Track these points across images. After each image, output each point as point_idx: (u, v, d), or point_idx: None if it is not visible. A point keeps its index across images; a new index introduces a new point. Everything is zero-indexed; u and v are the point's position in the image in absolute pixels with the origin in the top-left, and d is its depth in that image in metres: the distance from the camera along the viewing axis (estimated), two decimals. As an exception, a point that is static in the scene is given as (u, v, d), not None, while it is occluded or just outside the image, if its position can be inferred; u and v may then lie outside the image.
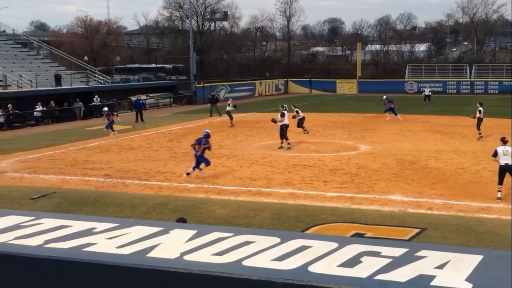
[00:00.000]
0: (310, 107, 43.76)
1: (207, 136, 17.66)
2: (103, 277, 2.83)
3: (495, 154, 14.67)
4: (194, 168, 17.30)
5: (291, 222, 12.19)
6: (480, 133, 24.48)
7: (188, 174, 17.13)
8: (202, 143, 17.33)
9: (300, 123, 27.28)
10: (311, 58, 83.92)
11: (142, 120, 34.14)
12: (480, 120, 24.62)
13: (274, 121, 23.70)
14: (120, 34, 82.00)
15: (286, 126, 23.04)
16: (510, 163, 14.19)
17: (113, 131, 24.87)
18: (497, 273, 3.40)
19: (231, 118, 31.89)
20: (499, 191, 14.25)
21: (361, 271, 3.15)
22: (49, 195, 14.95)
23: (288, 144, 22.75)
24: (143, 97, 40.38)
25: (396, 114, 32.63)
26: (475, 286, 3.03)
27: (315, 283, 2.90)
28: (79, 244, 3.08)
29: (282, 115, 23.22)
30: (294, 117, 27.32)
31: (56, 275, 2.87)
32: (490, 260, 3.63)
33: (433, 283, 3.03)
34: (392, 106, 33.07)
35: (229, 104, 32.27)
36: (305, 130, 27.25)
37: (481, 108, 24.77)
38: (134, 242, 3.17)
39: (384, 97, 35.45)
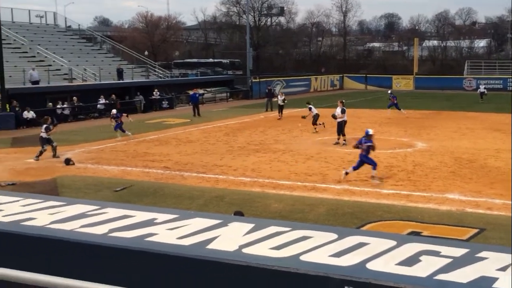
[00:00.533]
0: (365, 103, 43.27)
1: (369, 135, 16.58)
2: (164, 267, 2.90)
3: None
4: (354, 169, 16.12)
5: (347, 219, 12.11)
6: None
7: (346, 173, 16.08)
8: (363, 142, 16.42)
9: (315, 120, 26.94)
10: (367, 54, 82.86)
11: (198, 114, 34.42)
12: None
13: (334, 117, 23.54)
14: (179, 29, 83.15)
15: (345, 122, 23.06)
16: None
17: (124, 131, 24.74)
18: (563, 277, 3.29)
19: (281, 112, 32.46)
20: None
21: (421, 270, 3.12)
22: (128, 188, 15.29)
23: (344, 140, 22.58)
24: (200, 91, 40.63)
25: (399, 109, 33.21)
26: (539, 290, 2.94)
27: (374, 280, 2.88)
28: (141, 234, 3.17)
29: (343, 111, 23.25)
30: (304, 117, 27.37)
31: (119, 264, 2.96)
32: (555, 263, 3.51)
33: (495, 285, 2.97)
34: (395, 101, 33.59)
35: (282, 99, 32.81)
36: (315, 129, 26.77)
37: None
38: (194, 233, 3.23)
39: (389, 91, 35.39)
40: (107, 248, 2.95)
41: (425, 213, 12.75)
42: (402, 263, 3.31)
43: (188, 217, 3.52)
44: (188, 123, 30.74)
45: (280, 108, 32.70)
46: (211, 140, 24.11)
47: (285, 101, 33.27)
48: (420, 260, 3.33)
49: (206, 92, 45.54)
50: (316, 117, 26.93)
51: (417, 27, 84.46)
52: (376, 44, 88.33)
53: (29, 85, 35.61)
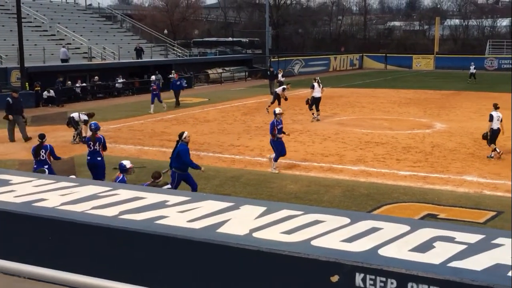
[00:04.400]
0: (385, 83, 42.90)
1: (276, 114, 15.10)
2: (174, 250, 2.88)
3: (491, 119, 16.69)
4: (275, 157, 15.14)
5: (362, 200, 12.07)
6: None
7: (272, 159, 15.08)
8: (276, 124, 14.91)
9: (312, 104, 24.33)
10: (387, 33, 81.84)
11: (177, 103, 29.25)
12: None
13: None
14: (199, 8, 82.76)
15: (316, 98, 23.91)
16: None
17: (161, 101, 24.96)
18: None
19: (274, 101, 26.40)
20: (495, 149, 16.28)
21: (434, 257, 3.06)
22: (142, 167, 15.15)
23: (318, 115, 23.75)
24: (177, 80, 32.38)
25: None
26: (556, 279, 2.88)
27: (385, 267, 2.83)
28: (152, 216, 3.15)
29: (312, 87, 24.09)
30: (307, 101, 24.30)
31: (129, 246, 2.95)
32: None
33: (510, 273, 2.91)
34: None
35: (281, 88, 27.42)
36: (314, 115, 24.33)
37: None
38: (205, 216, 3.20)
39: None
40: (117, 231, 2.94)
41: (442, 195, 12.66)
42: (415, 249, 3.26)
43: (200, 200, 3.49)
44: (206, 103, 30.76)
45: (315, 102, 25.10)
46: (228, 120, 24.09)
47: (288, 84, 28.19)
48: (434, 246, 3.27)
49: (224, 71, 45.40)
50: (314, 101, 24.30)
51: (438, 6, 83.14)
52: (397, 23, 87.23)
53: (50, 63, 35.76)
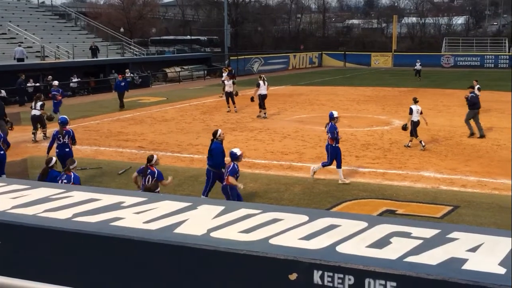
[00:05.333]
0: (344, 80, 43.33)
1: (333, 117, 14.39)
2: (129, 252, 2.83)
3: (411, 112, 17.83)
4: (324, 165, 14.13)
5: (322, 197, 12.14)
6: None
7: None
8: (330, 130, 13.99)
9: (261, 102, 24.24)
10: (346, 31, 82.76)
11: (122, 105, 27.59)
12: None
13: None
14: (156, 5, 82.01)
15: (262, 96, 24.01)
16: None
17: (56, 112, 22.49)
18: (532, 257, 3.30)
19: (232, 100, 25.96)
20: (420, 141, 17.35)
21: (391, 252, 3.09)
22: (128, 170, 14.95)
23: (264, 113, 23.96)
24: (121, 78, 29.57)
25: None
26: (509, 271, 2.94)
27: (343, 264, 2.85)
28: (107, 218, 3.09)
29: (258, 85, 24.17)
30: (252, 99, 24.42)
31: (83, 249, 2.89)
32: (525, 243, 3.52)
33: (464, 267, 2.95)
34: None
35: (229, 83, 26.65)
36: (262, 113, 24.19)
37: (479, 86, 23.91)
38: (162, 217, 3.16)
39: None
40: (70, 234, 2.87)
41: (400, 191, 12.85)
42: (373, 245, 3.29)
43: (157, 200, 3.45)
44: (164, 102, 30.49)
45: (260, 99, 24.52)
46: (187, 119, 23.95)
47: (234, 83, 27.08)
48: (390, 242, 3.30)
49: (182, 70, 45.12)
50: (261, 98, 24.12)
51: (396, 4, 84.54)
52: (355, 21, 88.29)
53: (2, 62, 34.89)
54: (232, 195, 10.75)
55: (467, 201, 12.02)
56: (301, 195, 12.39)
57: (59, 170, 10.90)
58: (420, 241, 3.28)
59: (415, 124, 17.70)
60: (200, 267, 2.86)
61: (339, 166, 13.46)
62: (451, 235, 3.39)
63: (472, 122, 19.74)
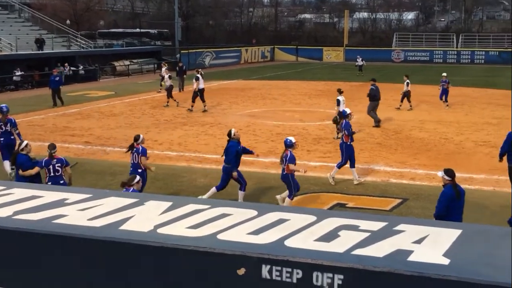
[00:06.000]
0: (296, 74, 43.59)
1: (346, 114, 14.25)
2: (73, 250, 2.75)
3: (338, 103, 18.33)
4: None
5: (274, 192, 12.17)
6: (410, 106, 24.35)
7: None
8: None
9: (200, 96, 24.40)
10: (298, 25, 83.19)
11: (61, 102, 26.13)
12: (408, 93, 24.38)
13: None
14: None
15: (200, 90, 24.18)
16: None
17: None
18: (475, 247, 3.38)
19: (170, 96, 25.77)
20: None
21: (339, 245, 3.11)
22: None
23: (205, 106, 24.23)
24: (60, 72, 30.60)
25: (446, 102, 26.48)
26: (452, 262, 3.00)
27: (291, 258, 2.85)
28: (49, 215, 3.01)
29: (197, 78, 24.24)
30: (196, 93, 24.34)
31: (24, 248, 2.80)
32: (468, 234, 3.61)
33: (410, 258, 3.00)
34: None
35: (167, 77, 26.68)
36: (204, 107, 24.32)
37: (408, 81, 24.59)
38: (107, 214, 3.10)
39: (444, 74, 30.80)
40: (10, 232, 2.77)
41: (351, 184, 13.00)
42: (321, 238, 3.30)
43: (102, 196, 3.38)
44: (112, 96, 29.99)
45: (199, 93, 24.42)
46: (136, 114, 23.64)
47: (171, 77, 26.90)
48: (339, 235, 3.33)
49: (132, 63, 44.48)
50: (200, 92, 24.22)
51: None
52: (308, 16, 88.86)
53: None
54: (293, 183, 11.14)
55: (416, 194, 12.26)
56: (252, 190, 12.39)
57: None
58: (368, 234, 3.32)
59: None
60: (147, 264, 2.81)
61: (352, 165, 13.35)
62: (398, 228, 3.44)
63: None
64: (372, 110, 20.82)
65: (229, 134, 12.06)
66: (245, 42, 65.48)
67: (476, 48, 58.36)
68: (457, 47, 59.82)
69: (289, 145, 11.29)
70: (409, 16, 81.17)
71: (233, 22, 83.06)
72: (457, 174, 12.60)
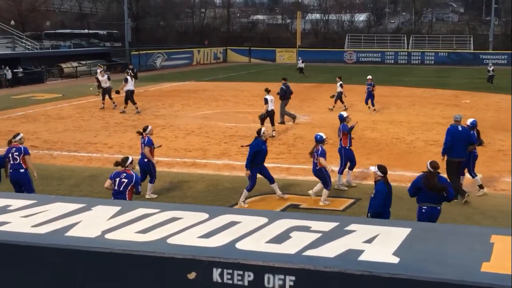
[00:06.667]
0: (249, 76, 43.66)
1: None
2: (17, 258, 2.66)
3: (266, 102, 18.76)
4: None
5: (227, 194, 12.13)
6: (344, 106, 24.36)
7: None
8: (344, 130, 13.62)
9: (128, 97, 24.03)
10: (251, 27, 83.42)
11: None
12: (340, 94, 24.65)
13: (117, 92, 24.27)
14: (51, -3, 78.67)
15: (130, 91, 23.94)
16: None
17: None
18: (424, 245, 3.43)
19: (108, 97, 25.03)
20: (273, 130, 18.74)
21: (290, 247, 3.11)
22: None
23: (137, 108, 23.93)
24: None
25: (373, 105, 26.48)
26: (401, 260, 3.04)
27: (242, 260, 2.83)
28: (-9, 223, 2.90)
29: (126, 80, 24.03)
30: (118, 92, 24.12)
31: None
32: (418, 233, 3.66)
33: (361, 258, 3.02)
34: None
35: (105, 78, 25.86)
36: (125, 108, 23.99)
37: (341, 82, 24.88)
38: (53, 220, 3.01)
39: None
40: None
41: (304, 185, 13.06)
42: (272, 240, 3.29)
43: (47, 202, 3.28)
44: (59, 98, 29.33)
45: (129, 95, 23.95)
46: (85, 116, 23.18)
47: (109, 79, 26.08)
48: (290, 237, 3.32)
49: (80, 65, 43.65)
50: (131, 94, 23.92)
51: (300, 0, 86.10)
52: (260, 17, 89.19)
53: None
54: (327, 175, 11.53)
55: (369, 193, 12.31)
56: (205, 193, 12.31)
57: None
58: (319, 235, 3.32)
59: (270, 113, 18.85)
60: (94, 270, 2.74)
61: (351, 168, 13.35)
62: (349, 228, 3.46)
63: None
64: (284, 108, 21.41)
65: (258, 132, 12.02)
66: (197, 43, 65.20)
67: (426, 49, 59.70)
68: (407, 48, 61.08)
69: (319, 140, 11.71)
70: (361, 17, 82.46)
71: (185, 23, 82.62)
72: (409, 173, 12.86)
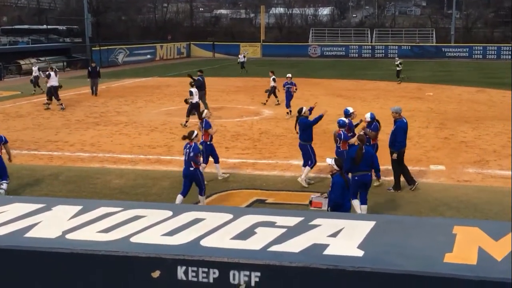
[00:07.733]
0: (213, 71, 43.47)
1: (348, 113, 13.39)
2: (-27, 261, 2.58)
3: (191, 94, 19.70)
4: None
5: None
6: (277, 101, 24.48)
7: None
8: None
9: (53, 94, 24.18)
10: (215, 21, 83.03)
11: None
12: (274, 89, 24.74)
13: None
14: (6, -8, 76.98)
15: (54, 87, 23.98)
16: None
17: None
18: (388, 238, 3.46)
19: (55, 97, 24.18)
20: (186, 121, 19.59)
21: (255, 243, 3.10)
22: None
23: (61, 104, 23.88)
24: None
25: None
26: (366, 253, 3.06)
27: (207, 257, 2.81)
28: None
29: (48, 76, 24.14)
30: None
31: None
32: (382, 226, 3.69)
33: (326, 252, 3.03)
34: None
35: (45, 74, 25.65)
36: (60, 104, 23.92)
37: (274, 77, 25.04)
38: (10, 221, 2.93)
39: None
40: None
41: (270, 180, 13.08)
42: (237, 236, 3.27)
43: (4, 203, 3.19)
44: (18, 96, 28.73)
45: (53, 91, 23.95)
46: (45, 114, 22.75)
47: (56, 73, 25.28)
48: (255, 233, 3.31)
49: (39, 61, 42.87)
50: (54, 90, 23.98)
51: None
52: (224, 11, 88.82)
53: None
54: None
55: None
56: (170, 189, 12.21)
57: None
58: (284, 230, 3.32)
59: (195, 105, 19.65)
60: (55, 272, 2.68)
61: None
62: (314, 222, 3.47)
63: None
64: (200, 99, 21.55)
65: (299, 111, 13.06)
66: (160, 38, 64.63)
67: (389, 43, 60.34)
68: (371, 42, 61.67)
69: (342, 124, 12.20)
70: (325, 11, 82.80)
71: (147, 17, 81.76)
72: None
